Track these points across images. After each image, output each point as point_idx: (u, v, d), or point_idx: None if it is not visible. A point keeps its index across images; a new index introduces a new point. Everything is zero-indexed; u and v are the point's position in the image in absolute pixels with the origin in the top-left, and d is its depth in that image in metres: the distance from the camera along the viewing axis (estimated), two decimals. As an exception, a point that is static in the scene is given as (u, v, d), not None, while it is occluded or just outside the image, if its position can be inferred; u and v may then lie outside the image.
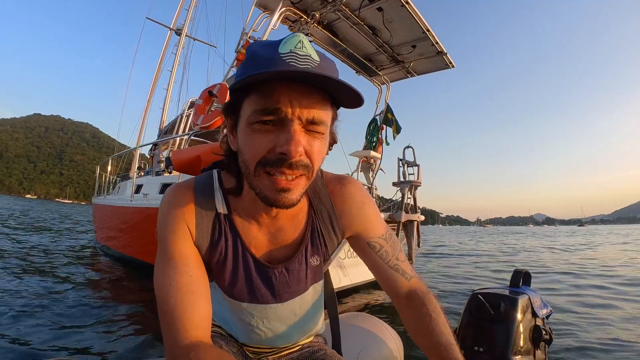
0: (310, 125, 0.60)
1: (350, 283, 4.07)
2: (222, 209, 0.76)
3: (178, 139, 5.59)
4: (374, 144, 5.68)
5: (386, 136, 5.69)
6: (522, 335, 1.34)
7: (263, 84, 0.58)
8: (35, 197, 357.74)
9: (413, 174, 4.08)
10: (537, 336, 1.37)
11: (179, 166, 1.47)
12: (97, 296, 3.84)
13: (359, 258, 3.33)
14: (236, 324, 0.88)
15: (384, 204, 4.96)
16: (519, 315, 1.35)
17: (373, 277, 3.37)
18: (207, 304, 0.69)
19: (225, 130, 0.73)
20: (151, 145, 8.51)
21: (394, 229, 4.15)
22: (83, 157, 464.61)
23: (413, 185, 3.98)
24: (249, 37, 4.61)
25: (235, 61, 4.63)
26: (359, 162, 5.61)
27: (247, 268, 0.78)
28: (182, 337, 0.64)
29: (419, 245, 4.07)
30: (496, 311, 1.38)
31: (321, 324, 0.99)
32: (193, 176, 0.83)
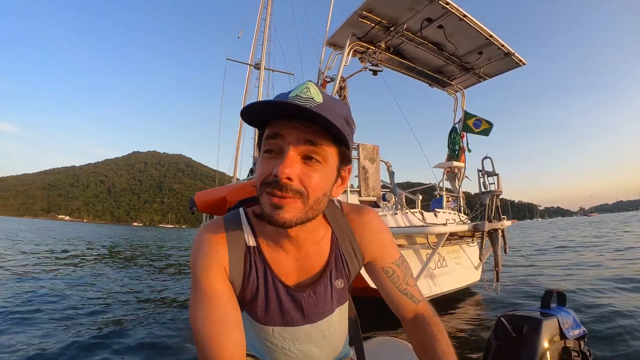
0: (306, 154, 0.70)
1: (440, 291, 4.52)
2: (251, 242, 0.85)
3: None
4: (456, 152, 6.02)
5: (467, 143, 6.01)
6: (548, 357, 1.37)
7: (274, 122, 0.72)
8: (141, 224, 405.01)
9: (493, 183, 4.42)
10: (567, 358, 1.40)
11: (203, 207, 1.41)
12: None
13: (449, 267, 4.17)
14: (268, 351, 0.96)
15: (472, 213, 5.34)
16: (543, 338, 1.38)
17: (463, 284, 4.18)
18: (240, 334, 0.78)
19: None
20: (248, 172, 9.71)
21: (479, 238, 4.56)
22: (180, 185, 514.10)
23: (494, 195, 4.31)
24: (325, 76, 5.34)
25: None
26: (444, 172, 5.98)
27: (278, 295, 0.86)
28: None
29: (505, 252, 4.34)
30: (519, 334, 1.44)
31: (348, 347, 1.11)
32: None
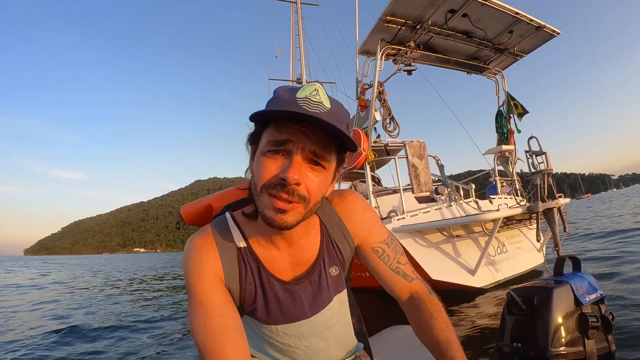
0: (313, 159, 0.73)
1: (503, 277, 4.63)
2: (241, 243, 0.86)
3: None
4: (505, 135, 6.08)
5: (516, 124, 6.03)
6: (563, 327, 1.34)
7: (279, 121, 0.72)
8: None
9: (542, 162, 4.42)
10: (584, 324, 1.35)
11: (189, 219, 1.53)
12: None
13: (509, 253, 4.47)
14: (275, 351, 0.97)
15: (527, 194, 5.39)
16: (555, 307, 1.36)
17: (525, 268, 4.45)
18: (242, 340, 0.77)
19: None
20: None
21: (534, 220, 4.61)
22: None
23: (545, 174, 4.30)
24: (363, 84, 5.66)
25: (359, 107, 5.70)
26: (495, 157, 6.05)
27: (275, 292, 0.87)
28: None
29: (565, 230, 4.27)
30: (529, 306, 1.42)
31: (358, 340, 1.10)
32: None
